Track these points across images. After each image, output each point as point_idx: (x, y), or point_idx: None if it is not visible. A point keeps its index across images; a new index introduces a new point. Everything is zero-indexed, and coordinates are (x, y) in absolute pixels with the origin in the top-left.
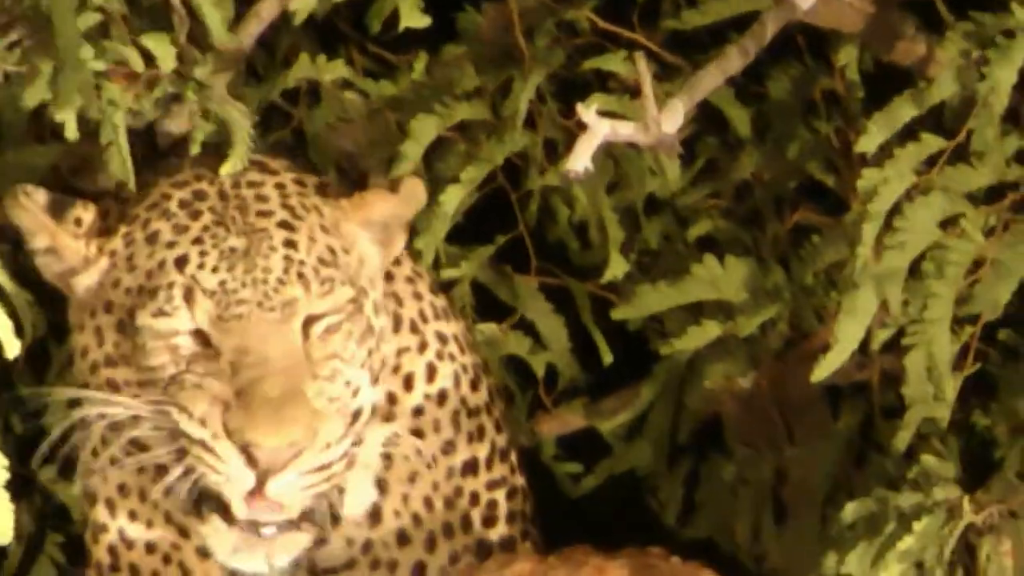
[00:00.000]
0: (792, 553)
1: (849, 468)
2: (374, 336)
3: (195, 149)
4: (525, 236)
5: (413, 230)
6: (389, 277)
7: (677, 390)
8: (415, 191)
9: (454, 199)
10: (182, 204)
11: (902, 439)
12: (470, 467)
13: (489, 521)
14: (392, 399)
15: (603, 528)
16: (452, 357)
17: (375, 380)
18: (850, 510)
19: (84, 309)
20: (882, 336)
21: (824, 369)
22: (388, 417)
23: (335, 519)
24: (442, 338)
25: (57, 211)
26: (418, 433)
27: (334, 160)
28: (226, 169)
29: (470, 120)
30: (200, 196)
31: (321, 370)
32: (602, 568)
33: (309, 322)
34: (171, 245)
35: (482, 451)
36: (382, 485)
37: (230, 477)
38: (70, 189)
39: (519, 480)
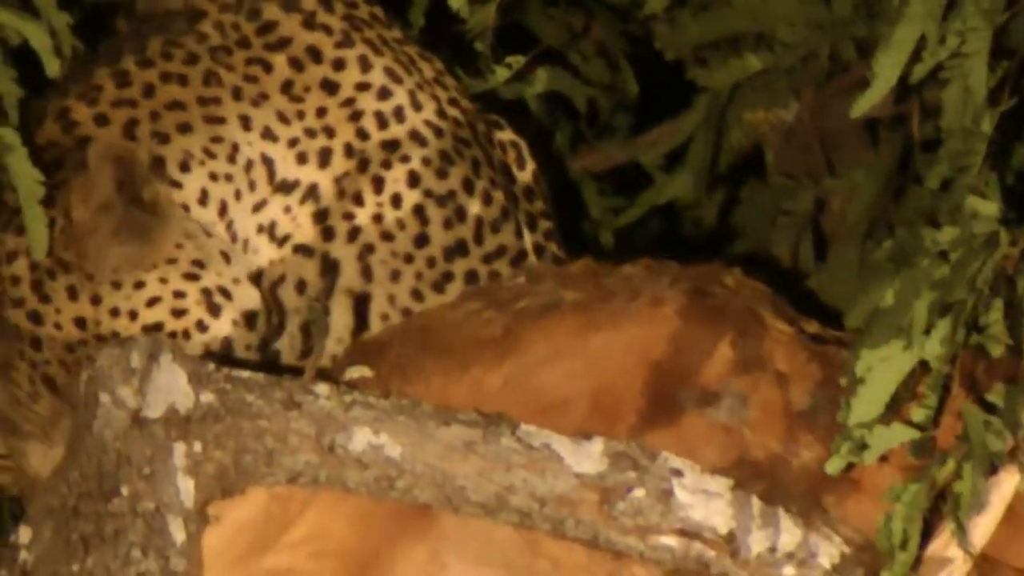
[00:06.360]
0: (832, 284)
1: (888, 202)
2: None
3: None
4: None
5: None
6: (322, 112)
7: (718, 121)
8: None
9: None
10: None
11: (937, 173)
12: (456, 250)
13: None
14: (349, 216)
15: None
16: (405, 159)
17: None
18: (887, 244)
19: None
20: (921, 70)
21: (864, 104)
22: (352, 235)
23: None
24: (390, 145)
25: None
26: (387, 237)
27: None
28: None
29: None
30: None
31: None
32: (659, 299)
33: None
34: None
35: (466, 231)
36: (364, 297)
37: None
38: None
39: (530, 240)
